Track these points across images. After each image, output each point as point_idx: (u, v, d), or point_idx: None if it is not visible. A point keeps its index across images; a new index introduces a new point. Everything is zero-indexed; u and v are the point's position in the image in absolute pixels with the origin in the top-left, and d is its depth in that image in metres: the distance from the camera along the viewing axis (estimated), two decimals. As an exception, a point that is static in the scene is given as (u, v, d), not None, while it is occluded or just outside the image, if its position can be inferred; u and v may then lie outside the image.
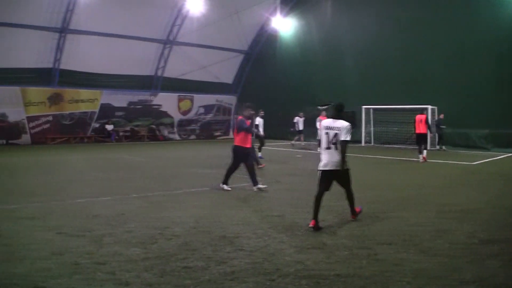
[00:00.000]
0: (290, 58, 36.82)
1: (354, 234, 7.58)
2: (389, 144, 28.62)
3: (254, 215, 9.02)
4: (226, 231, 7.73)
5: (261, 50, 39.74)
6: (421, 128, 19.94)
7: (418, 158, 19.72)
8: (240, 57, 40.16)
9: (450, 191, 12.41)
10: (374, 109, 29.41)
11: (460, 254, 6.51)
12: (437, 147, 26.58)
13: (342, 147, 8.09)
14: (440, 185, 13.36)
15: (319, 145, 9.34)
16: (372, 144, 29.68)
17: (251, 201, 10.63)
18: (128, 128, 35.13)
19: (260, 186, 12.05)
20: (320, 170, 8.31)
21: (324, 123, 8.48)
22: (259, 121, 19.66)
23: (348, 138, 8.12)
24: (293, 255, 6.41)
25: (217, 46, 37.19)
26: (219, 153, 22.84)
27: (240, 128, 12.12)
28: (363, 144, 29.42)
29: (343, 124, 8.19)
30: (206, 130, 39.89)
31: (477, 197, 11.50)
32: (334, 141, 8.14)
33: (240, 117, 12.56)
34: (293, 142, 29.29)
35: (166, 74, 36.66)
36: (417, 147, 20.36)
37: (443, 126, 26.10)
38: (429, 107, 26.24)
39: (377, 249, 6.71)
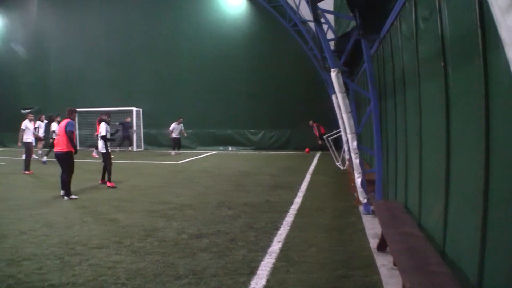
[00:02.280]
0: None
1: (64, 241, 7.40)
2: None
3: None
4: None
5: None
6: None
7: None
8: None
9: (158, 190, 12.81)
10: (78, 112, 28.54)
11: (172, 251, 6.81)
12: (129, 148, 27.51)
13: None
14: (146, 186, 13.72)
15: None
16: (78, 147, 28.22)
17: None
18: None
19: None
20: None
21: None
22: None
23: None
24: (3, 269, 6.02)
25: None
26: None
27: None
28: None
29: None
30: None
31: (184, 194, 12.09)
32: None
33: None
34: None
35: None
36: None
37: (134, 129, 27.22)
38: (134, 108, 26.95)
39: (88, 254, 6.65)
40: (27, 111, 29.80)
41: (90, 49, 30.03)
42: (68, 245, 7.12)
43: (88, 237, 7.62)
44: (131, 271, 5.90)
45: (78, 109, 27.44)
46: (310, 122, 25.17)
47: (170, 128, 24.87)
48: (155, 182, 14.58)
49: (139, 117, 28.10)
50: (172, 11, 28.27)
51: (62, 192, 11.55)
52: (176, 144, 25.37)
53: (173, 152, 25.12)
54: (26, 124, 17.44)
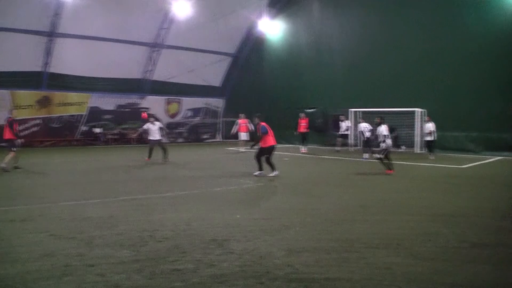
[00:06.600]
0: (278, 60, 36.83)
1: (344, 237, 7.57)
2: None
3: (243, 218, 9.01)
4: (216, 233, 7.72)
5: (249, 53, 39.68)
6: (302, 128, 27.11)
7: (300, 150, 26.65)
8: (228, 60, 40.10)
9: (439, 194, 12.37)
10: (362, 112, 29.09)
11: (451, 258, 6.52)
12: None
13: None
14: (429, 189, 13.36)
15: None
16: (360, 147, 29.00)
17: (240, 204, 10.61)
18: (116, 131, 34.97)
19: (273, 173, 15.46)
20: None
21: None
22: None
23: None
24: (283, 258, 6.40)
25: (205, 49, 37.14)
26: (207, 157, 22.92)
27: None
28: (351, 148, 29.23)
29: None
30: (193, 133, 39.82)
31: (467, 200, 11.53)
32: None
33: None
34: (337, 148, 27.82)
35: (154, 77, 36.53)
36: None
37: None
38: (417, 109, 26.36)
39: (367, 253, 6.70)
40: (310, 110, 32.05)
41: (372, 50, 30.31)
42: (347, 242, 7.26)
43: (367, 235, 7.69)
44: (408, 274, 5.79)
45: (360, 110, 28.69)
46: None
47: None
48: (433, 185, 14.21)
49: (418, 118, 27.43)
50: (455, 9, 27.05)
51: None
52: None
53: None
54: (149, 125, 20.49)
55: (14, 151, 17.06)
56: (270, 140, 15.46)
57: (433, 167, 19.32)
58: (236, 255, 6.54)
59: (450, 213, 9.73)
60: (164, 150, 20.43)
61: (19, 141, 17.68)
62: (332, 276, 5.71)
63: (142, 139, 29.66)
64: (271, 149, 15.54)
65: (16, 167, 17.13)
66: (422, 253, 6.75)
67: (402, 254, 6.67)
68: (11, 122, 17.18)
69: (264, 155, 15.58)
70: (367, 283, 5.51)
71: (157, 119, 21.05)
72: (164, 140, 21.30)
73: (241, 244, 7.14)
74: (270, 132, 15.56)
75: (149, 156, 20.34)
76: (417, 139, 26.75)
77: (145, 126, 20.61)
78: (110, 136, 34.58)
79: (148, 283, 5.43)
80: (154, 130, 20.41)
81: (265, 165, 15.67)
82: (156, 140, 20.46)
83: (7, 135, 17.10)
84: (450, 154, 25.16)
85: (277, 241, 7.35)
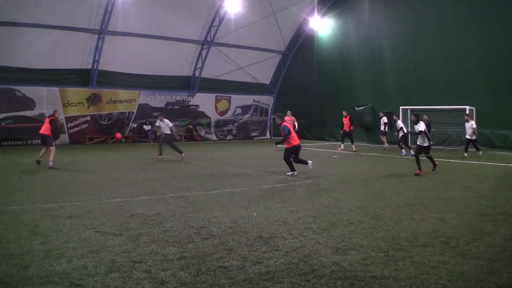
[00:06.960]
0: (328, 58, 36.60)
1: (390, 235, 7.51)
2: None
3: (290, 216, 9.01)
4: (262, 231, 7.75)
5: (299, 50, 39.62)
6: (345, 126, 26.99)
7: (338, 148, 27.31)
8: (278, 57, 40.11)
9: (487, 193, 12.09)
10: (411, 109, 28.49)
11: (498, 257, 6.39)
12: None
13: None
14: (478, 187, 13.08)
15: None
16: (409, 144, 28.42)
17: (286, 202, 10.60)
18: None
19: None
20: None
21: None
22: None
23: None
24: (329, 256, 6.38)
25: (254, 46, 37.32)
26: (256, 154, 22.92)
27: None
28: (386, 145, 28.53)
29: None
30: (243, 131, 40.04)
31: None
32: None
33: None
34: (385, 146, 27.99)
35: (203, 75, 36.84)
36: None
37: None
38: (467, 107, 25.61)
39: (413, 251, 6.63)
40: (360, 108, 31.81)
41: (423, 47, 29.66)
42: (394, 240, 7.20)
43: (414, 234, 7.60)
44: (454, 273, 5.69)
45: (410, 107, 28.20)
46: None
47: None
48: (481, 183, 13.78)
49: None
50: (506, 7, 26.04)
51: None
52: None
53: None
54: (160, 123, 21.52)
55: (55, 144, 17.50)
56: (294, 140, 15.34)
57: (480, 165, 18.95)
58: (282, 253, 6.55)
59: (497, 212, 9.54)
60: (160, 148, 21.10)
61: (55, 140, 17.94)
62: (378, 274, 5.68)
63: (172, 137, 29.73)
64: (295, 149, 15.41)
65: (38, 161, 17.47)
66: (468, 252, 6.64)
67: (448, 253, 6.57)
68: (51, 121, 17.56)
69: (291, 155, 15.50)
70: (413, 281, 5.45)
71: (164, 117, 21.76)
72: (172, 136, 21.66)
73: (287, 241, 7.14)
74: (293, 132, 15.54)
75: (160, 154, 20.95)
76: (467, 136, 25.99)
77: (157, 124, 21.61)
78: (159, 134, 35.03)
79: (194, 280, 5.47)
80: (164, 127, 21.03)
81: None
82: (168, 134, 21.07)
83: (43, 130, 17.49)
84: (497, 152, 24.49)
85: (323, 239, 7.33)
